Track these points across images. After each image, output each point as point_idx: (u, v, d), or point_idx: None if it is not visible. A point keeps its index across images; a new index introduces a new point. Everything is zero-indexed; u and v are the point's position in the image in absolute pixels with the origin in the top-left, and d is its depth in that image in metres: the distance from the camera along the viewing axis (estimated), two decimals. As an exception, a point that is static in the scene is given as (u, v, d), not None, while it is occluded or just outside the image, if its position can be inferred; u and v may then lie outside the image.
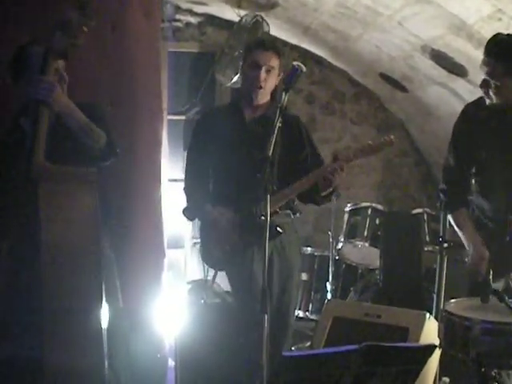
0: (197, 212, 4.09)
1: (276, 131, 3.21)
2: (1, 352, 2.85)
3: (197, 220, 4.23)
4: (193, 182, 4.07)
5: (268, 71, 3.89)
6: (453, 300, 3.38)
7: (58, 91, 3.11)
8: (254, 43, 4.06)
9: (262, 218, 3.35)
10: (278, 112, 3.27)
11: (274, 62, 3.90)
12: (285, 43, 7.36)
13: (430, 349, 2.68)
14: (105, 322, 2.90)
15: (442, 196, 3.89)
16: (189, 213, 4.13)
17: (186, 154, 4.22)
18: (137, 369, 3.73)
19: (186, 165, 4.12)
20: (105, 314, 2.90)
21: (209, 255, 4.04)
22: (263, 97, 3.97)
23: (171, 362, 4.47)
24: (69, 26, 3.01)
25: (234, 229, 3.84)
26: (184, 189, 4.09)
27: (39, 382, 2.77)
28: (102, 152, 3.28)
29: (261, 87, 3.89)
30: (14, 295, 2.87)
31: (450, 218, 3.85)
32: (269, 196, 3.07)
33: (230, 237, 3.85)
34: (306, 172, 3.87)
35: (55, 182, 2.95)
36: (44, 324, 2.78)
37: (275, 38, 3.99)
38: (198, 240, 6.55)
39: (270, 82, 3.93)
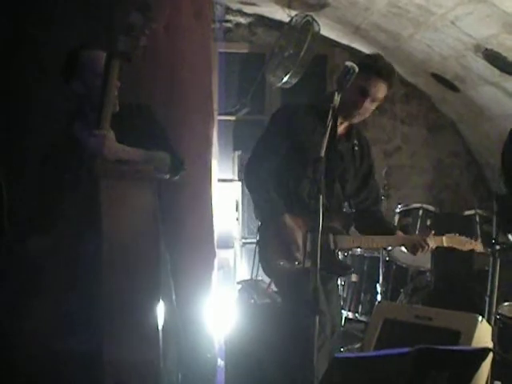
0: (273, 217, 3.57)
1: (329, 131, 3.10)
2: (63, 344, 2.92)
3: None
4: (276, 180, 3.63)
5: (373, 101, 3.63)
6: (506, 303, 3.34)
7: (112, 140, 3.13)
8: (371, 66, 3.57)
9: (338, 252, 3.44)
10: (330, 112, 3.13)
11: (383, 94, 3.64)
12: (335, 43, 7.34)
13: (485, 352, 2.65)
14: (160, 320, 2.96)
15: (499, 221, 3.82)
16: (263, 216, 3.70)
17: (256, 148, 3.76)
18: (187, 368, 3.75)
19: (263, 155, 3.67)
20: (160, 312, 2.96)
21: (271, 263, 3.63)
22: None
23: (220, 362, 4.48)
24: (132, 29, 3.07)
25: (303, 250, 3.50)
26: (261, 184, 3.60)
27: (98, 375, 2.83)
28: (170, 170, 3.40)
29: (359, 114, 3.65)
30: (74, 290, 2.92)
31: (510, 237, 3.74)
32: (321, 195, 2.88)
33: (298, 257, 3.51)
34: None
35: (116, 178, 3.02)
36: (103, 319, 2.85)
37: (391, 67, 3.69)
38: (248, 240, 6.64)
39: (370, 111, 3.69)
